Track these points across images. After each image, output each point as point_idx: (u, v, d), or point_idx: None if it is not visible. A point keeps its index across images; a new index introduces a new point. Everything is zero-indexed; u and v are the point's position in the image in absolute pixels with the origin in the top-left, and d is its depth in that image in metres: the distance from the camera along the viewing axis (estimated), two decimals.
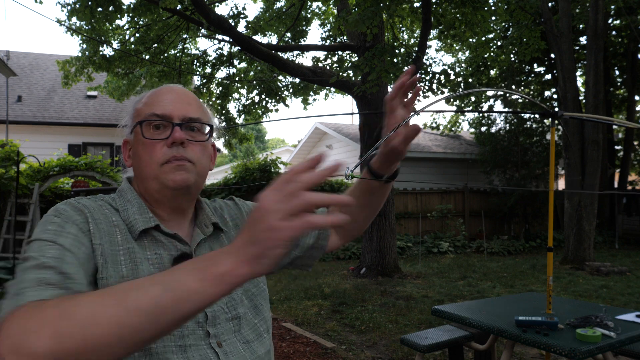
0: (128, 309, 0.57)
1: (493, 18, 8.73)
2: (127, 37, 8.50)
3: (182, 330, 0.82)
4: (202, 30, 8.70)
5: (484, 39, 9.10)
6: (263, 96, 10.20)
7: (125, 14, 7.56)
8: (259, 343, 0.92)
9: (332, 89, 10.58)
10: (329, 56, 10.20)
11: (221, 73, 9.84)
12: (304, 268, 1.15)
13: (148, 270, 0.83)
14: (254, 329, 0.93)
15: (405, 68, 7.02)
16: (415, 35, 10.64)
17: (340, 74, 7.68)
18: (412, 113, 0.96)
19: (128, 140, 0.96)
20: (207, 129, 0.94)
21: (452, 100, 13.30)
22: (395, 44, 8.63)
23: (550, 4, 10.11)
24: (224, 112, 10.15)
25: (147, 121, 0.90)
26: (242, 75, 10.06)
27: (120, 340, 0.56)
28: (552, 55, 11.81)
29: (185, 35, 8.81)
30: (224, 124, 10.07)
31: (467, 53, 11.93)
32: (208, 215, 0.98)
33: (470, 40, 8.70)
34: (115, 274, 0.80)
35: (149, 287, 0.59)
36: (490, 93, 13.80)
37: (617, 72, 14.85)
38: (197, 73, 9.64)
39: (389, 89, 8.54)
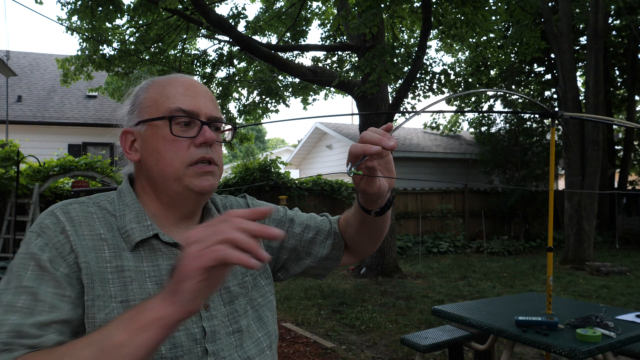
0: None
1: (493, 18, 8.73)
2: (127, 37, 8.49)
3: (177, 351, 0.76)
4: (202, 30, 8.70)
5: (484, 38, 9.11)
6: (263, 96, 10.19)
7: (125, 14, 7.56)
8: (261, 359, 0.86)
9: (332, 89, 10.58)
10: (329, 56, 10.20)
11: (221, 73, 9.84)
12: (318, 277, 1.10)
13: (140, 288, 0.78)
14: (257, 343, 0.87)
15: (406, 68, 7.04)
16: (415, 35, 10.64)
17: (343, 74, 7.66)
18: (412, 113, 0.95)
19: (131, 131, 0.87)
20: (228, 129, 0.90)
21: (452, 100, 13.31)
22: (395, 44, 8.63)
23: (550, 4, 10.11)
24: (224, 112, 10.15)
25: (176, 117, 0.83)
26: (242, 75, 10.06)
27: None
28: (552, 55, 11.81)
29: (185, 35, 8.81)
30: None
31: (467, 53, 11.93)
32: (214, 218, 0.93)
33: (471, 40, 8.70)
34: (104, 294, 0.75)
35: (81, 350, 0.61)
36: (490, 93, 13.80)
37: (617, 72, 14.85)
38: (197, 73, 9.63)
39: (389, 89, 8.56)
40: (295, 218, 1.04)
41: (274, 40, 10.63)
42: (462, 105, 14.26)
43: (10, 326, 0.67)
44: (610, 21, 13.05)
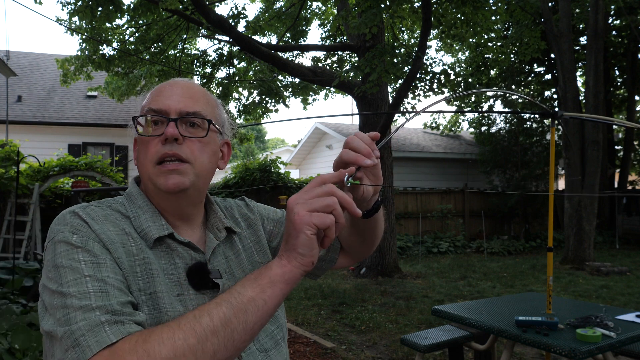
0: (205, 334, 0.64)
1: (493, 18, 8.73)
2: (127, 37, 8.49)
3: None
4: (202, 30, 8.70)
5: (485, 37, 9.11)
6: (263, 96, 10.19)
7: (125, 14, 7.56)
8: (277, 352, 0.89)
9: (332, 89, 10.58)
10: (329, 56, 10.20)
11: (221, 73, 9.84)
12: (312, 277, 1.10)
13: (163, 281, 0.78)
14: (271, 336, 0.90)
15: (406, 68, 7.04)
16: (415, 35, 10.64)
17: (343, 74, 7.66)
18: (412, 113, 0.95)
19: (136, 139, 0.89)
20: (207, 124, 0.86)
21: (452, 100, 13.30)
22: (395, 44, 8.62)
23: (550, 4, 10.11)
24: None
25: (141, 117, 0.85)
26: (242, 75, 10.06)
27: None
28: (552, 55, 11.81)
29: (185, 35, 8.81)
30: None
31: (467, 53, 11.93)
32: (220, 219, 0.93)
33: (471, 40, 8.70)
34: (135, 287, 0.75)
35: (214, 308, 0.67)
36: (490, 93, 13.80)
37: (617, 72, 14.85)
38: (197, 73, 9.63)
39: (389, 89, 8.56)
40: None
41: (274, 40, 10.64)
42: (462, 105, 14.26)
43: (99, 308, 0.66)
44: (610, 21, 13.05)
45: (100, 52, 8.05)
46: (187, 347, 0.62)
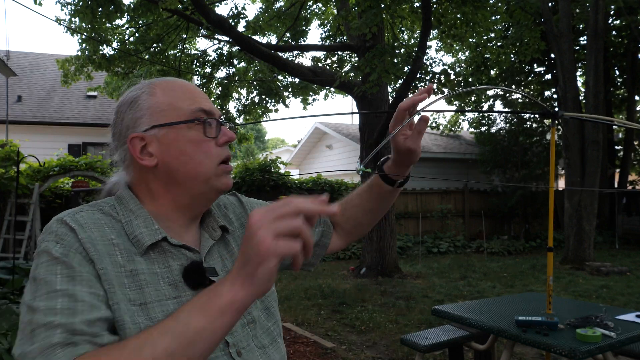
0: None
1: (493, 18, 8.73)
2: (127, 37, 8.49)
3: None
4: (202, 30, 8.70)
5: (485, 37, 9.11)
6: (263, 96, 10.20)
7: (125, 14, 7.56)
8: (274, 348, 0.89)
9: (332, 89, 10.59)
10: (329, 56, 10.20)
11: (221, 73, 9.83)
12: (307, 268, 1.13)
13: (155, 290, 0.78)
14: (268, 332, 0.90)
15: (406, 68, 7.04)
16: (416, 35, 10.64)
17: (344, 74, 7.66)
18: (407, 119, 0.95)
19: (140, 136, 0.84)
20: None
21: (452, 99, 13.30)
22: (395, 44, 8.63)
23: (550, 4, 10.11)
24: (224, 112, 10.15)
25: (209, 119, 0.86)
26: (242, 75, 10.06)
27: None
28: (552, 55, 11.80)
29: (185, 35, 8.81)
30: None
31: (467, 53, 11.92)
32: (215, 218, 0.94)
33: (471, 40, 8.70)
34: (124, 297, 0.74)
35: (158, 338, 0.62)
36: (490, 93, 13.80)
37: (617, 72, 14.84)
38: (197, 73, 9.64)
39: (389, 89, 8.56)
40: None
41: (274, 40, 10.63)
42: (462, 105, 14.26)
43: (60, 326, 0.64)
44: (610, 21, 13.05)
45: (100, 52, 8.05)
46: None
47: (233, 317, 0.63)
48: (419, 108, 0.95)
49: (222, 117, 0.88)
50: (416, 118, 0.95)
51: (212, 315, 0.62)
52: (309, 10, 10.29)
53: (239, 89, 10.24)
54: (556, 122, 2.22)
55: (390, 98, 8.26)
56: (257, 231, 0.61)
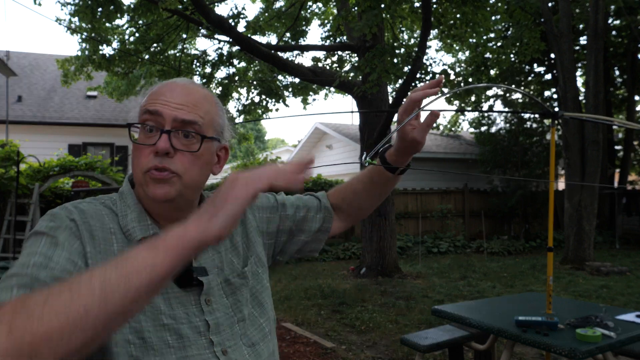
0: (79, 293, 0.56)
1: (493, 18, 8.72)
2: (127, 37, 8.49)
3: (183, 341, 0.79)
4: (202, 30, 8.70)
5: (485, 37, 9.11)
6: (263, 96, 10.20)
7: (125, 14, 7.56)
8: (264, 344, 0.90)
9: (332, 89, 10.59)
10: (329, 56, 10.20)
11: (221, 73, 9.84)
12: (312, 253, 1.15)
13: None
14: (260, 329, 0.91)
15: (406, 68, 7.04)
16: (416, 35, 10.64)
17: (344, 74, 7.67)
18: (413, 112, 0.96)
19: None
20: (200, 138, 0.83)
21: (452, 99, 13.30)
22: (395, 44, 8.63)
23: (550, 4, 10.11)
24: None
25: (136, 125, 0.84)
26: (242, 75, 10.06)
27: (73, 327, 0.54)
28: (552, 55, 11.81)
29: (185, 35, 8.81)
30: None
31: (467, 53, 11.92)
32: None
33: (471, 40, 8.69)
34: None
35: (99, 271, 0.58)
36: (490, 93, 13.80)
37: (617, 72, 14.85)
38: (197, 73, 9.63)
39: (389, 89, 8.57)
40: (285, 201, 1.10)
41: (274, 40, 10.64)
42: (463, 105, 14.26)
43: (27, 275, 0.66)
44: (610, 21, 13.05)
45: (100, 52, 8.05)
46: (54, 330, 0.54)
47: (179, 254, 0.60)
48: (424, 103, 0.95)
49: (184, 122, 0.81)
50: (425, 113, 0.96)
51: (157, 250, 0.60)
52: (309, 10, 10.28)
53: (239, 88, 10.24)
54: (556, 122, 2.22)
55: (390, 98, 8.26)
56: (231, 182, 0.65)
